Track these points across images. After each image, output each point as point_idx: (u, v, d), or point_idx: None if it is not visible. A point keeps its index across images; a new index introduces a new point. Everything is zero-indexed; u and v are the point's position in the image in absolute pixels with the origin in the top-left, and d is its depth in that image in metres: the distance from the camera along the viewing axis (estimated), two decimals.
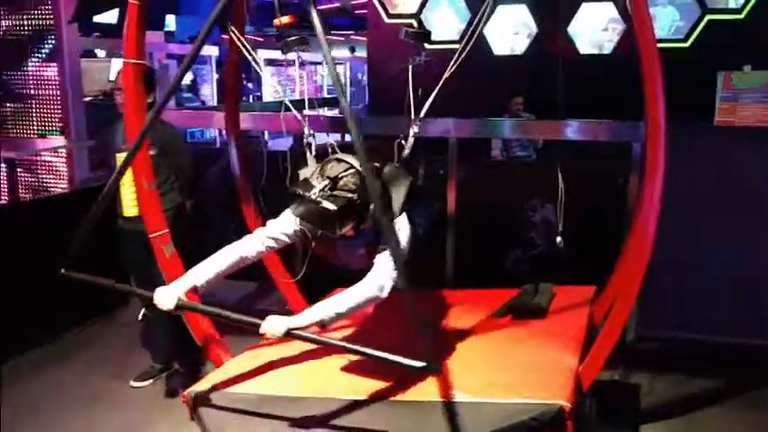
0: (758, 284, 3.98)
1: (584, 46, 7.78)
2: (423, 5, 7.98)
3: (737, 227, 4.01)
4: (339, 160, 2.27)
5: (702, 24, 7.41)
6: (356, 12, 11.10)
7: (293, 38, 2.60)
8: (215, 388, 2.43)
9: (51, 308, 4.25)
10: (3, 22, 5.98)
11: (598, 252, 3.52)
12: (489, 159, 6.26)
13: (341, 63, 13.60)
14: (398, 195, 2.34)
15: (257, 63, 2.85)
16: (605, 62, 7.57)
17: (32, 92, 6.10)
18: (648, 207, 2.48)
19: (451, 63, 2.65)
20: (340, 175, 2.21)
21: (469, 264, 4.23)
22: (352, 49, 14.79)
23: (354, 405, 2.26)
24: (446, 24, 7.99)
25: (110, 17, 11.09)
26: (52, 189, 6.06)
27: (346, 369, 2.47)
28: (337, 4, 10.67)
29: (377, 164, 2.38)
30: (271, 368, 2.54)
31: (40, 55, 6.05)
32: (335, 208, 2.15)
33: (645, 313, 4.09)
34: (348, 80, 13.06)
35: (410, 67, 2.79)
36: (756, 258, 3.99)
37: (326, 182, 2.19)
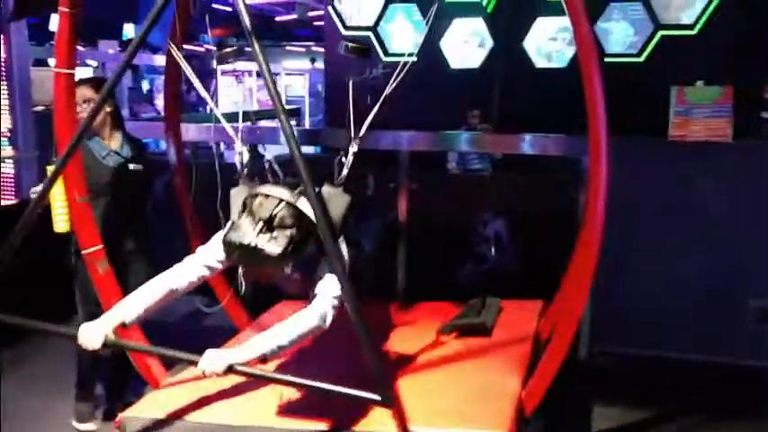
0: (711, 299, 4.01)
1: (539, 59, 7.86)
2: (379, 18, 7.97)
3: (691, 241, 4.05)
4: (266, 195, 2.12)
5: (656, 39, 7.54)
6: (314, 23, 11.06)
7: (227, 49, 2.51)
8: (150, 415, 2.32)
9: None
10: None
11: (549, 265, 3.50)
12: (443, 172, 6.25)
13: (300, 74, 13.52)
14: (336, 217, 2.23)
15: (195, 79, 2.73)
16: (560, 75, 7.63)
17: None
18: (591, 223, 2.44)
19: (392, 79, 2.56)
20: (273, 213, 2.07)
21: (422, 276, 4.20)
22: (313, 60, 14.76)
23: None
24: (403, 36, 8.00)
25: None
26: None
27: (288, 395, 2.37)
28: (295, 16, 10.61)
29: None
30: (208, 392, 2.42)
31: None
32: (280, 251, 2.03)
33: (597, 329, 4.11)
34: (307, 91, 12.99)
35: (350, 82, 2.65)
36: (709, 273, 4.01)
37: (261, 224, 2.05)
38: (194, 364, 2.09)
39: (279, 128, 2.41)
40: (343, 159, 2.37)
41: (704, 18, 7.39)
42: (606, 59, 7.46)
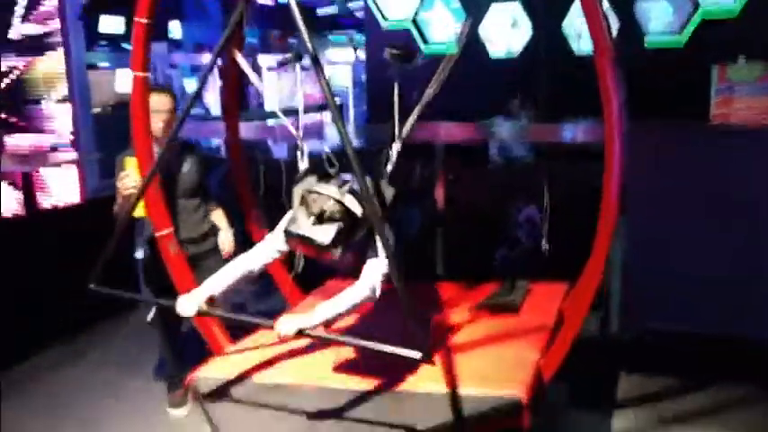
0: (742, 279, 4.12)
1: (579, 44, 7.90)
2: (418, 9, 8.15)
3: (724, 223, 4.14)
4: (319, 193, 2.44)
5: (696, 18, 7.52)
6: (356, 14, 11.29)
7: (286, 56, 2.78)
8: (217, 374, 2.68)
9: (67, 310, 4.50)
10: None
11: (580, 249, 3.69)
12: (480, 161, 6.39)
13: (345, 64, 13.71)
14: (384, 207, 2.53)
15: (259, 82, 2.98)
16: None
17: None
18: (606, 207, 2.63)
19: (432, 81, 2.77)
20: (324, 208, 2.39)
21: (460, 259, 4.44)
22: (355, 48, 14.90)
23: (338, 393, 2.50)
24: (442, 25, 8.16)
25: (117, 27, 11.34)
26: (65, 199, 6.36)
27: (335, 358, 2.71)
28: (334, 10, 10.85)
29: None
30: (268, 356, 2.77)
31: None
32: (329, 242, 2.36)
33: (628, 305, 4.28)
34: (352, 82, 13.20)
35: (395, 84, 2.86)
36: (740, 255, 4.12)
37: (313, 218, 2.38)
38: (271, 328, 2.43)
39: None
40: (390, 153, 2.65)
41: None
42: (646, 40, 7.53)
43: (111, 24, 10.47)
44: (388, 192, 2.58)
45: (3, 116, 6.60)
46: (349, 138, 2.33)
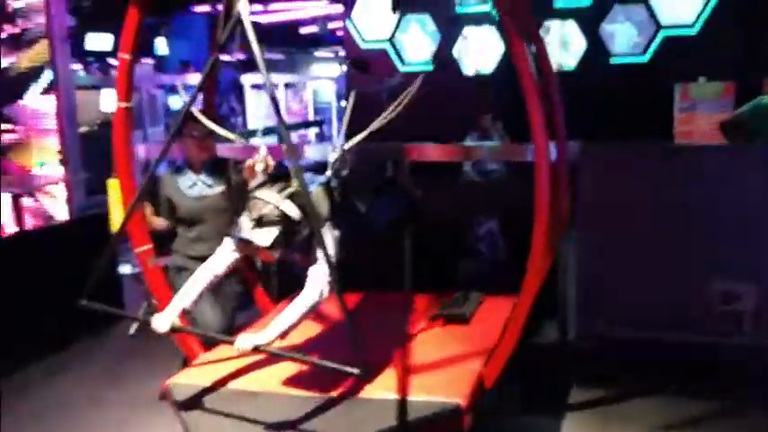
0: (683, 284, 4.38)
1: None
2: (395, 30, 8.47)
3: (677, 233, 4.35)
4: (260, 199, 2.64)
5: (659, 39, 7.86)
6: (337, 33, 11.62)
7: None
8: (190, 381, 2.95)
9: (52, 324, 4.72)
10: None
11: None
12: (446, 177, 6.63)
13: (329, 79, 14.06)
14: (323, 209, 2.77)
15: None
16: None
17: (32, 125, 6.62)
18: (539, 222, 2.92)
19: (393, 106, 3.02)
20: (263, 213, 2.60)
21: (424, 269, 4.69)
22: (341, 64, 15.21)
23: (300, 400, 2.76)
24: (418, 46, 8.49)
25: (104, 44, 11.55)
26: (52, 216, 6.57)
27: (300, 367, 2.94)
28: (315, 29, 11.21)
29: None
30: (239, 364, 3.01)
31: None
32: (267, 244, 2.58)
33: (585, 311, 4.55)
34: (335, 96, 13.55)
35: (351, 95, 3.18)
36: (691, 263, 4.37)
37: (253, 222, 2.60)
38: (231, 343, 2.68)
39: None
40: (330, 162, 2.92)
41: (703, 16, 7.68)
42: (612, 60, 7.85)
43: (98, 42, 10.75)
44: (327, 198, 2.81)
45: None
46: (294, 150, 2.63)
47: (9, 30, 6.59)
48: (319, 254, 2.66)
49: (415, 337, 3.34)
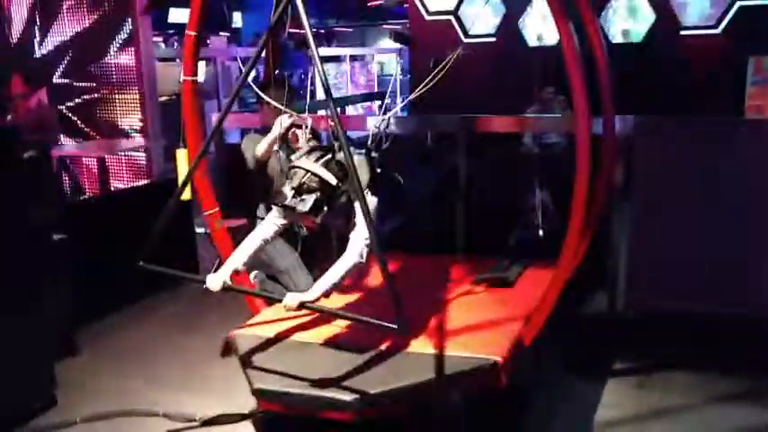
0: (745, 262, 4.39)
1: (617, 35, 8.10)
2: (460, 2, 8.51)
3: (731, 209, 4.36)
4: (298, 167, 2.83)
5: (734, 10, 7.61)
6: (405, 5, 11.69)
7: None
8: (252, 332, 3.26)
9: (132, 278, 5.14)
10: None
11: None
12: (511, 145, 6.70)
13: (392, 52, 14.15)
14: (362, 176, 2.90)
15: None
16: (635, 50, 7.87)
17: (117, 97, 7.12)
18: (579, 189, 3.02)
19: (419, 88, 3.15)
20: (302, 181, 2.80)
21: (479, 236, 4.86)
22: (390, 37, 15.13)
23: (349, 351, 3.01)
24: (482, 18, 8.52)
25: (185, 17, 12.08)
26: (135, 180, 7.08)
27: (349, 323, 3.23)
28: (381, 2, 11.29)
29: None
30: (294, 319, 3.32)
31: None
32: (306, 210, 2.78)
33: (634, 283, 4.63)
34: (399, 69, 13.62)
35: (398, 68, 3.32)
36: (746, 239, 4.36)
37: (293, 190, 2.79)
38: (280, 302, 2.92)
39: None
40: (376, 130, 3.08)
41: None
42: (683, 32, 7.67)
43: (179, 15, 11.27)
44: (368, 165, 2.97)
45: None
46: (339, 122, 2.76)
47: None
48: (358, 219, 2.84)
49: (459, 297, 3.55)
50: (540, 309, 3.17)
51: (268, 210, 3.66)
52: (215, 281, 3.00)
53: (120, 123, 7.21)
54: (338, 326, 3.23)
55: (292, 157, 3.00)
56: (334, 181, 2.80)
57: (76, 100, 7.36)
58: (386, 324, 2.68)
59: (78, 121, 7.42)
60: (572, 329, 4.27)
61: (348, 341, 3.08)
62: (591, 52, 3.95)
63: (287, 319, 3.33)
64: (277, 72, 4.61)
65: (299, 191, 2.79)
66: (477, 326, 3.18)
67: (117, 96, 7.15)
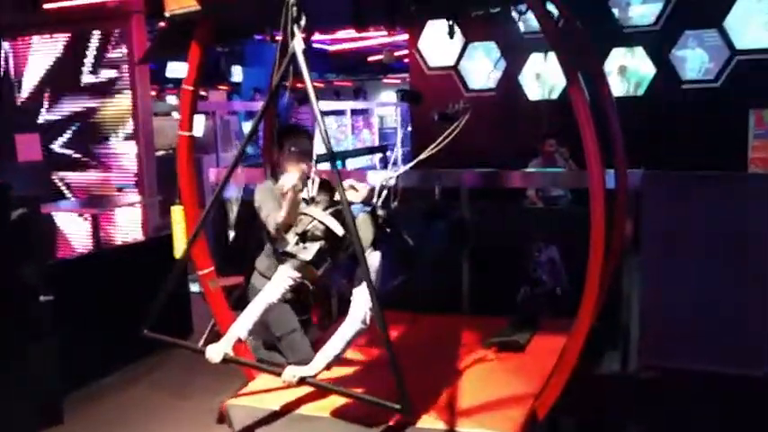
0: (755, 317, 4.27)
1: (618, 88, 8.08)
2: (460, 57, 8.55)
3: (743, 267, 4.29)
4: (305, 214, 2.69)
5: (732, 65, 7.61)
6: (405, 61, 11.84)
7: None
8: (247, 403, 3.05)
9: (123, 339, 4.95)
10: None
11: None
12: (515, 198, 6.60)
13: (395, 106, 14.25)
14: (366, 234, 2.73)
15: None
16: (636, 104, 7.85)
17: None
18: (595, 249, 2.84)
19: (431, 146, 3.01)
20: (307, 228, 2.64)
21: (486, 294, 4.70)
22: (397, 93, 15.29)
23: (352, 427, 2.79)
24: (482, 73, 8.54)
25: (183, 72, 12.21)
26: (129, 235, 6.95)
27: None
28: (380, 57, 11.43)
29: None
30: (292, 388, 3.06)
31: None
32: (310, 258, 2.61)
33: (647, 342, 4.45)
34: (399, 123, 13.69)
35: (403, 129, 3.22)
36: (756, 296, 4.26)
37: (296, 237, 2.65)
38: (278, 375, 2.74)
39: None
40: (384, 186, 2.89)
41: None
42: (683, 86, 7.66)
43: (177, 69, 11.36)
44: (372, 220, 2.78)
45: (73, 155, 7.33)
46: (339, 175, 2.67)
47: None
48: (361, 280, 2.67)
49: (468, 364, 3.33)
50: (555, 378, 2.96)
51: (263, 276, 3.57)
52: (215, 352, 2.82)
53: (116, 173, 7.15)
54: (340, 397, 3.01)
55: (301, 206, 2.85)
56: (340, 231, 2.63)
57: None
58: (389, 404, 2.50)
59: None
60: (584, 393, 4.05)
61: (349, 414, 2.86)
62: (599, 106, 3.86)
63: (284, 388, 3.09)
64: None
65: (304, 238, 2.64)
66: (488, 396, 2.96)
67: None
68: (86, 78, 7.25)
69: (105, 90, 7.16)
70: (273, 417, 2.94)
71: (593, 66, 3.87)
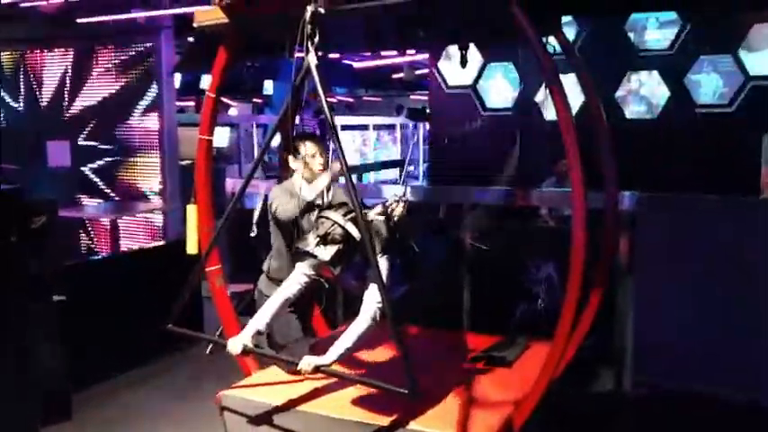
0: (746, 339, 4.33)
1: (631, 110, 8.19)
2: (478, 77, 8.72)
3: (738, 289, 4.37)
4: (326, 218, 2.91)
5: (746, 90, 7.66)
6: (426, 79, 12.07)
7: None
8: (240, 394, 3.23)
9: (137, 341, 5.19)
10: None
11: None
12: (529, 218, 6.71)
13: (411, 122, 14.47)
14: (379, 240, 2.98)
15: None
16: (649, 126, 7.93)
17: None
18: (575, 269, 3.02)
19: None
20: (328, 231, 2.87)
21: (484, 310, 4.84)
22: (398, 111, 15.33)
23: (340, 423, 2.97)
24: (500, 93, 8.70)
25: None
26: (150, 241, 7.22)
27: (341, 391, 3.21)
28: (402, 75, 11.69)
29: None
30: (286, 384, 3.29)
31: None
32: (328, 259, 2.86)
33: (640, 361, 4.53)
34: (422, 139, 13.89)
35: (412, 149, 3.43)
36: (747, 319, 4.33)
37: (318, 239, 2.88)
38: (296, 364, 2.92)
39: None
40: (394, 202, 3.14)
41: None
42: (696, 110, 7.73)
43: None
44: (384, 227, 3.02)
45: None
46: (353, 187, 2.90)
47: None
48: (372, 281, 2.89)
49: (454, 375, 3.47)
50: (532, 392, 3.08)
51: (271, 281, 3.75)
52: (236, 344, 3.05)
53: (139, 185, 7.43)
54: (331, 395, 3.19)
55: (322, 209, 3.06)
56: (358, 235, 2.86)
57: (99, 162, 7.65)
58: (397, 389, 2.67)
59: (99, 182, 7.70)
60: (577, 410, 4.16)
61: (342, 412, 3.03)
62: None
63: (278, 384, 3.31)
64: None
65: (324, 240, 2.87)
66: (470, 406, 3.11)
67: (138, 159, 7.40)
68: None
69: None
70: (265, 409, 3.13)
71: (589, 94, 4.02)
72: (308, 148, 3.65)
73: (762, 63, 7.46)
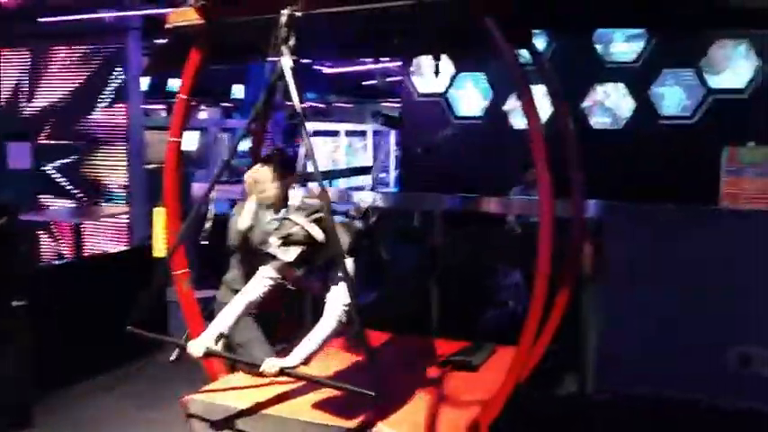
0: (715, 349, 4.40)
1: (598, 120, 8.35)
2: (449, 86, 8.81)
3: (702, 296, 4.41)
4: (290, 220, 2.92)
5: (708, 103, 7.88)
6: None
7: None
8: (206, 398, 3.20)
9: (102, 348, 5.10)
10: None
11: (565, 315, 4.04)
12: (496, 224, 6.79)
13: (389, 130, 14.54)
14: (343, 240, 2.96)
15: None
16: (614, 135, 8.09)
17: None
18: (541, 274, 3.07)
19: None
20: (290, 232, 2.87)
21: (451, 316, 4.87)
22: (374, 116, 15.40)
23: (304, 425, 2.96)
24: (471, 102, 8.80)
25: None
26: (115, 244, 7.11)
27: (306, 394, 3.19)
28: (374, 82, 11.72)
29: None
30: (253, 388, 3.27)
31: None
32: (290, 260, 2.86)
33: (604, 366, 4.61)
34: (393, 147, 13.94)
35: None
36: (714, 325, 4.39)
37: (280, 240, 2.87)
38: (258, 367, 2.91)
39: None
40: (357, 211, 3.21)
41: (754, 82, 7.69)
42: (660, 122, 7.93)
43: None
44: (351, 230, 3.06)
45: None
46: (324, 192, 2.92)
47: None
48: (336, 282, 2.90)
49: (421, 380, 3.49)
50: (497, 395, 3.11)
51: (229, 289, 3.75)
52: (197, 346, 3.01)
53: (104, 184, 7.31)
54: (297, 398, 3.17)
55: (283, 210, 3.13)
56: (321, 237, 2.86)
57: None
58: (362, 390, 2.68)
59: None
60: (541, 412, 4.22)
61: (307, 414, 3.02)
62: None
63: (244, 388, 3.29)
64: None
65: (286, 242, 2.86)
66: (437, 409, 3.13)
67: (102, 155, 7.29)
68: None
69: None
70: (231, 413, 3.10)
71: (558, 104, 4.10)
72: (294, 179, 3.69)
73: (721, 77, 7.70)
